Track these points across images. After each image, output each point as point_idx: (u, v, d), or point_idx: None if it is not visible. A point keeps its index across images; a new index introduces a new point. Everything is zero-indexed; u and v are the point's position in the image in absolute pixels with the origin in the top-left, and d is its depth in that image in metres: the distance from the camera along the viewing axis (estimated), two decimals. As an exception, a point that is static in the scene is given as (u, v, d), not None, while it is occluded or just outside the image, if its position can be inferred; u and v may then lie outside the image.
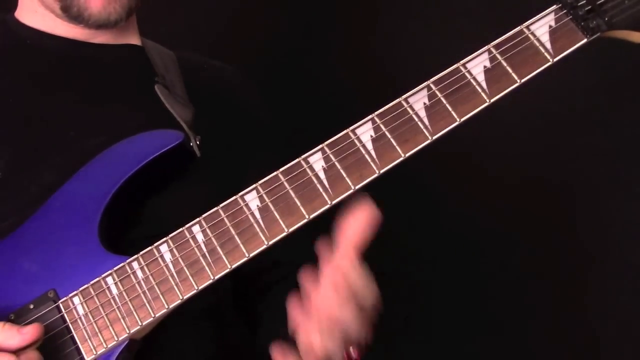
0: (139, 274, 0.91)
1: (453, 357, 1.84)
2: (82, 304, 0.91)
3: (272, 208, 0.88)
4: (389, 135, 0.88)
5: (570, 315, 1.79)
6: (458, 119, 0.87)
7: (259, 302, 1.19)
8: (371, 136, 0.88)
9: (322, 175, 0.88)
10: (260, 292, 1.19)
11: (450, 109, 0.88)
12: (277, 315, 0.95)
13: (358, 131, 0.89)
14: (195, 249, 0.90)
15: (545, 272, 1.80)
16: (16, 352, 0.85)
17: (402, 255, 1.81)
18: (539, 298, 1.80)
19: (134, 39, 1.20)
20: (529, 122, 1.67)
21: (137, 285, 0.91)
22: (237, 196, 0.89)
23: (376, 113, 0.89)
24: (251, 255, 0.88)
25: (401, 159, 0.87)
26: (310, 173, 0.88)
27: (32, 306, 0.92)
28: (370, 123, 0.89)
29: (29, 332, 0.86)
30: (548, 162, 1.76)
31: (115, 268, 0.91)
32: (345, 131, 0.89)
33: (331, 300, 0.83)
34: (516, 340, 1.81)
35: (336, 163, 0.88)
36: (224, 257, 0.88)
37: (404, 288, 1.81)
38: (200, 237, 0.90)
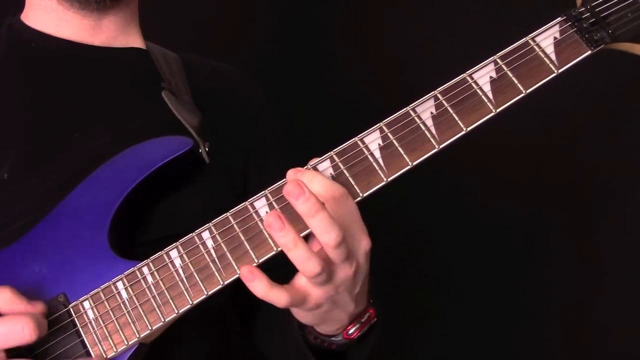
0: (149, 279, 0.92)
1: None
2: (92, 308, 0.92)
3: (281, 215, 0.89)
4: (397, 144, 0.89)
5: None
6: (465, 129, 0.89)
7: (256, 303, 1.19)
8: (379, 145, 0.90)
9: (330, 182, 0.89)
10: None
11: (457, 118, 0.89)
12: (273, 312, 0.97)
13: (366, 139, 0.90)
14: (205, 254, 0.91)
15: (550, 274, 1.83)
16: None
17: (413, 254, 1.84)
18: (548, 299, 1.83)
19: (138, 42, 1.21)
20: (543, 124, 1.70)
21: (147, 290, 0.92)
22: (247, 203, 0.90)
23: (384, 122, 0.90)
24: (260, 261, 0.89)
25: (409, 167, 0.89)
26: (318, 181, 0.89)
27: (42, 310, 0.93)
28: (378, 132, 0.90)
29: (37, 305, 0.88)
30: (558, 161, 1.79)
31: (125, 273, 0.92)
32: (353, 140, 0.90)
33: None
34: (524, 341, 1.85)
35: (344, 171, 0.89)
36: (233, 262, 0.89)
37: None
38: (210, 242, 0.91)
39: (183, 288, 0.91)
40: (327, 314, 0.90)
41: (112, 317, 0.92)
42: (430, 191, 1.72)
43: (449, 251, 1.87)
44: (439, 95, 0.90)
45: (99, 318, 0.92)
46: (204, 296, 0.90)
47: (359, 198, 0.89)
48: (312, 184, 0.84)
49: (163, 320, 0.91)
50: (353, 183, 0.89)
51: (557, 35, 0.91)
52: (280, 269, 1.02)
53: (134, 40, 1.20)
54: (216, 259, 0.90)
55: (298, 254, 0.80)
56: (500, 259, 1.84)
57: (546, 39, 0.91)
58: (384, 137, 0.90)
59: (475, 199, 1.83)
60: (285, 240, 0.80)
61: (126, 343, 0.91)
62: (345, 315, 0.92)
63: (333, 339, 0.96)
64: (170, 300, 0.91)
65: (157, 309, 0.91)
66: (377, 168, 0.89)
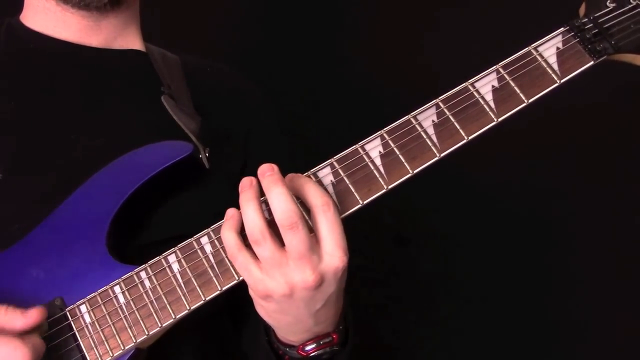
0: (147, 283, 0.91)
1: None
2: (89, 312, 0.92)
3: (280, 221, 0.88)
4: (398, 152, 0.89)
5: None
6: (466, 137, 0.89)
7: (247, 307, 1.19)
8: (380, 152, 0.90)
9: (330, 189, 0.89)
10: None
11: (458, 127, 0.89)
12: (257, 320, 0.97)
13: (367, 147, 0.90)
14: (204, 260, 0.90)
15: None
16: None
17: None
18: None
19: (138, 44, 1.20)
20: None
21: (144, 294, 0.91)
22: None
23: (385, 130, 0.90)
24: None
25: (409, 175, 0.89)
26: (318, 187, 0.89)
27: (39, 313, 0.92)
28: (379, 139, 0.90)
29: (33, 315, 0.86)
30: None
31: (123, 277, 0.92)
32: (354, 147, 0.90)
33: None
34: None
35: (345, 178, 0.89)
36: (231, 268, 0.89)
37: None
38: (208, 248, 0.90)
39: (181, 293, 0.90)
40: (278, 316, 0.90)
41: (109, 321, 0.91)
42: (436, 189, 1.71)
43: (465, 252, 1.87)
44: (440, 104, 0.90)
45: (96, 322, 0.91)
46: (202, 302, 0.90)
47: (359, 205, 0.89)
48: (301, 189, 0.86)
49: (160, 325, 0.90)
50: (353, 190, 0.89)
51: (560, 45, 0.91)
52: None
53: (134, 42, 1.19)
54: (214, 264, 0.90)
55: (247, 209, 0.84)
56: (507, 259, 1.85)
57: (549, 49, 0.91)
58: (385, 145, 0.90)
59: (485, 197, 1.84)
60: (243, 196, 0.85)
61: (122, 348, 0.91)
62: (301, 329, 0.92)
63: (288, 349, 0.97)
64: (168, 306, 0.90)
65: (154, 314, 0.91)
66: (377, 176, 0.89)
